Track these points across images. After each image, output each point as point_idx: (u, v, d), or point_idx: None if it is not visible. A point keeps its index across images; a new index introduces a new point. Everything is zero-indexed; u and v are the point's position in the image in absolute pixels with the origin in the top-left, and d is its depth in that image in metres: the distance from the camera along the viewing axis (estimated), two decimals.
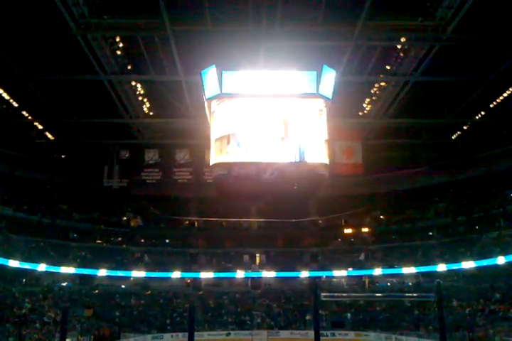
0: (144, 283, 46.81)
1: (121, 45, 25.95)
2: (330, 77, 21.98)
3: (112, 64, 27.44)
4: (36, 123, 37.04)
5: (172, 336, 38.11)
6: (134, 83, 30.74)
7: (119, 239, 49.51)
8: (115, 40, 25.52)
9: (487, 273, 37.15)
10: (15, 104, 33.22)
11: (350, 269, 46.56)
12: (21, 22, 24.13)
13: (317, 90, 21.50)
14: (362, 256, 48.76)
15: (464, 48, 26.55)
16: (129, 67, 28.27)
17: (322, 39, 24.88)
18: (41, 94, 31.56)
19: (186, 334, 16.68)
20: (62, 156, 44.93)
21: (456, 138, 39.59)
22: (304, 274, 46.83)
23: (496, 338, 26.69)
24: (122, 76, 29.08)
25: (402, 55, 26.97)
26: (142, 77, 29.88)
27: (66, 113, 34.15)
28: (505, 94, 31.94)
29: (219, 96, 21.82)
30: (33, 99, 32.33)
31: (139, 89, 31.37)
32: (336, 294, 42.19)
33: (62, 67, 27.94)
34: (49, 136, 39.01)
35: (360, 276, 46.88)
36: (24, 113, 34.80)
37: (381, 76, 29.58)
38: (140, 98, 32.35)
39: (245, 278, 47.90)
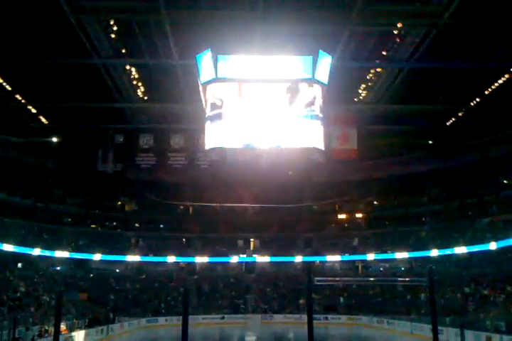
0: (138, 267, 47.06)
1: (115, 28, 25.62)
2: (326, 63, 21.84)
3: (106, 47, 27.12)
4: (30, 107, 36.76)
5: (166, 320, 38.46)
6: (128, 67, 30.44)
7: (114, 223, 49.62)
8: (109, 23, 25.21)
9: (479, 258, 37.53)
10: (8, 88, 32.92)
11: (343, 254, 46.94)
12: (14, 4, 23.81)
13: (313, 75, 21.38)
14: (355, 242, 49.15)
15: (461, 34, 26.45)
16: (124, 51, 27.93)
17: (318, 24, 24.70)
18: (35, 77, 31.24)
19: (180, 317, 16.78)
20: (56, 140, 44.68)
21: (451, 124, 39.62)
22: (298, 259, 47.22)
23: (486, 322, 27.05)
24: (116, 60, 28.80)
25: (398, 40, 26.80)
26: (137, 61, 29.61)
27: (60, 97, 33.87)
28: (500, 81, 31.91)
29: (214, 81, 21.67)
30: (26, 82, 32.02)
31: (134, 73, 31.09)
32: (329, 278, 42.58)
33: (56, 50, 27.60)
34: (43, 119, 38.76)
35: (354, 261, 47.35)
36: (18, 96, 34.50)
37: (377, 62, 29.46)
38: (134, 82, 32.08)
39: (240, 262, 48.27)
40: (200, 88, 22.79)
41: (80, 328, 29.40)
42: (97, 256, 43.61)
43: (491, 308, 29.56)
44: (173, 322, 36.18)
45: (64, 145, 42.06)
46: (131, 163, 38.33)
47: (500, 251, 34.70)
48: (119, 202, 50.82)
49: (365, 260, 46.40)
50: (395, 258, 44.55)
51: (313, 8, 23.88)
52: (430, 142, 40.34)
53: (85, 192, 47.77)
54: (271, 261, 47.93)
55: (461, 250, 37.91)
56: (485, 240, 36.54)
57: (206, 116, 22.39)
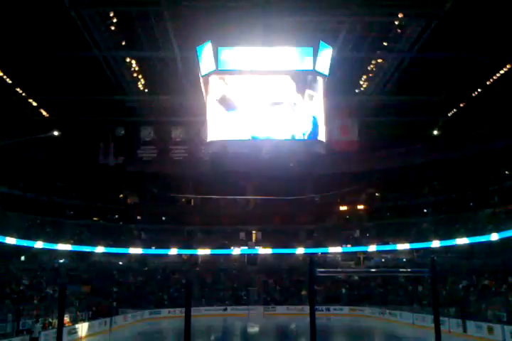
0: (141, 259, 47.19)
1: (115, 20, 25.54)
2: (327, 54, 21.81)
3: (106, 40, 27.04)
4: (30, 100, 36.72)
5: (169, 311, 38.59)
6: (128, 59, 30.36)
7: (116, 216, 49.70)
8: (109, 15, 25.12)
9: (480, 249, 37.56)
10: (9, 81, 32.86)
11: (345, 246, 47.00)
12: None
13: (314, 67, 21.34)
14: (357, 233, 49.17)
15: (462, 25, 26.33)
16: (124, 43, 27.85)
17: (319, 14, 24.58)
18: (35, 70, 31.18)
19: (183, 309, 16.84)
20: (58, 133, 44.62)
21: (453, 115, 39.52)
22: (300, 250, 47.29)
23: (488, 313, 27.14)
24: (116, 52, 28.72)
25: (399, 31, 26.69)
26: (137, 53, 29.54)
27: (61, 90, 33.83)
28: (501, 72, 31.79)
29: (215, 73, 21.63)
30: (27, 75, 31.96)
31: (134, 65, 31.01)
32: (331, 270, 42.64)
33: (56, 42, 27.57)
34: (44, 113, 38.74)
35: (355, 252, 47.39)
36: (18, 90, 34.46)
37: (378, 52, 29.34)
38: (135, 74, 32.01)
39: (242, 254, 48.39)
40: (201, 80, 22.77)
41: (84, 320, 29.57)
42: (99, 249, 43.72)
43: (493, 299, 29.64)
44: (176, 314, 36.33)
45: (65, 138, 42.10)
46: (132, 156, 38.38)
47: (502, 242, 34.70)
48: (121, 195, 50.89)
49: (367, 251, 46.47)
50: (396, 250, 44.59)
51: None
52: (435, 132, 40.30)
53: (87, 185, 47.83)
54: (273, 253, 48.04)
55: (462, 241, 37.90)
56: (487, 231, 36.52)
57: (207, 108, 22.40)
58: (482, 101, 36.53)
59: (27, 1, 23.85)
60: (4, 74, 31.90)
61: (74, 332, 25.73)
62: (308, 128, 21.40)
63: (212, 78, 21.85)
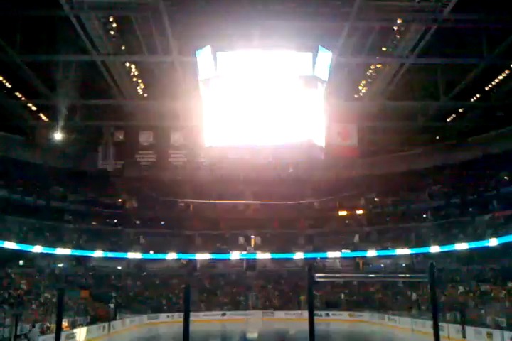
0: (139, 264, 47.06)
1: (114, 25, 25.60)
2: (326, 59, 21.82)
3: (105, 44, 27.08)
4: (30, 105, 36.73)
5: (168, 316, 38.51)
6: (127, 64, 30.42)
7: (115, 220, 49.60)
8: (108, 20, 25.17)
9: (479, 254, 37.49)
10: (8, 85, 32.87)
11: (344, 251, 46.90)
12: (13, 1, 23.79)
13: (313, 72, 21.35)
14: (356, 238, 49.07)
15: (461, 30, 26.43)
16: (123, 48, 27.93)
17: (318, 19, 24.64)
18: (35, 75, 31.21)
19: (182, 314, 16.86)
20: (57, 138, 44.67)
21: (451, 120, 39.58)
22: (299, 255, 47.16)
23: (487, 318, 27.05)
24: (116, 56, 28.75)
25: (398, 36, 26.75)
26: (136, 58, 29.58)
27: (60, 94, 33.83)
28: (500, 77, 31.88)
29: (213, 77, 21.65)
30: (26, 80, 31.98)
31: (133, 70, 31.07)
32: (330, 275, 42.44)
33: (55, 47, 27.62)
34: (43, 117, 38.74)
35: (355, 258, 47.29)
36: (17, 94, 34.47)
37: (377, 57, 29.39)
38: (134, 79, 32.07)
39: (241, 259, 48.23)
40: (200, 84, 22.78)
41: (82, 325, 29.42)
42: (98, 253, 43.62)
43: (492, 304, 29.55)
44: (175, 319, 36.24)
45: (64, 142, 42.09)
46: (131, 161, 38.36)
47: (501, 247, 34.66)
48: (120, 200, 50.81)
49: (366, 256, 46.37)
50: (395, 255, 44.52)
51: (313, 4, 23.83)
52: (437, 137, 40.41)
53: (86, 189, 47.76)
54: (272, 258, 47.91)
55: (462, 246, 37.86)
56: (486, 236, 36.49)
57: (205, 113, 22.41)
58: (481, 107, 36.64)
59: (26, 6, 23.89)
60: (3, 78, 31.93)
61: (72, 336, 25.58)
62: (307, 133, 21.39)
63: (210, 82, 21.87)
